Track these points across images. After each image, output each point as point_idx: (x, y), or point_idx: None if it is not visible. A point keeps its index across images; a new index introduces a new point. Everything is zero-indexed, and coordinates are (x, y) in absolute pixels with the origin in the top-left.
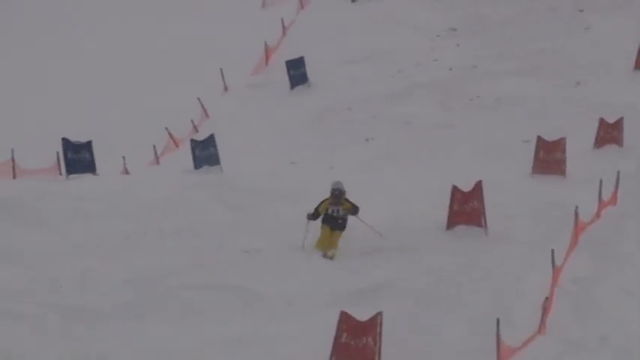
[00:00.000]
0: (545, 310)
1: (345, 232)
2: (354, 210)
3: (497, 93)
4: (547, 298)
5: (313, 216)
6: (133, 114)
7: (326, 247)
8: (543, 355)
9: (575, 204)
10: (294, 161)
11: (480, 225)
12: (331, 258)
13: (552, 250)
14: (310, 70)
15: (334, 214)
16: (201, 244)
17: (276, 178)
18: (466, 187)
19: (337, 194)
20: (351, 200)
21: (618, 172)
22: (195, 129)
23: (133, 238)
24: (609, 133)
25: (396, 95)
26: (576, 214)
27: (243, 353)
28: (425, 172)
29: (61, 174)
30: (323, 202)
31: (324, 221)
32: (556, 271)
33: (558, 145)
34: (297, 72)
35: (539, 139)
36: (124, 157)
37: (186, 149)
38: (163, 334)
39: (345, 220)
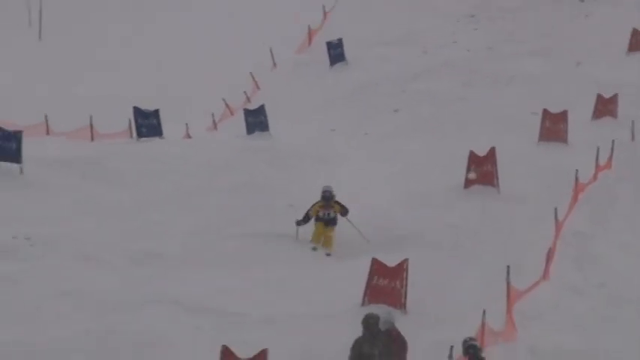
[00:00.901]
0: (548, 259)
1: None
2: (344, 212)
3: (510, 72)
4: (550, 249)
5: (303, 220)
6: (195, 87)
7: (320, 240)
8: (547, 298)
9: (575, 168)
10: (333, 128)
11: (493, 185)
12: (329, 254)
13: (555, 208)
14: (347, 50)
15: (325, 217)
16: (252, 200)
17: (318, 142)
18: (481, 152)
19: (328, 196)
20: (341, 202)
21: (613, 141)
22: (248, 100)
23: (194, 194)
24: (605, 107)
25: (421, 72)
26: (576, 177)
27: (287, 293)
28: (445, 139)
29: (132, 137)
30: (314, 205)
31: (317, 220)
32: (558, 225)
33: (561, 117)
34: (336, 51)
35: (545, 111)
36: (186, 124)
37: (239, 117)
38: (220, 277)
39: (336, 219)
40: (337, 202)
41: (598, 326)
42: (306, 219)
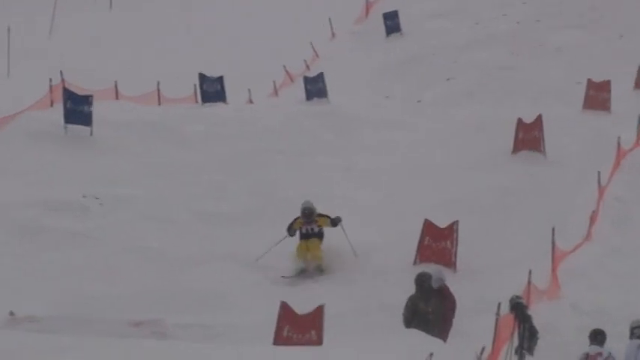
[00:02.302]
0: (592, 221)
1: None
2: (334, 222)
3: (556, 43)
4: (594, 212)
5: (288, 232)
6: (257, 55)
7: (304, 254)
8: (589, 259)
9: (617, 135)
10: (388, 95)
11: (539, 150)
12: (321, 271)
13: (598, 172)
14: (403, 21)
15: (309, 232)
16: (310, 162)
17: (374, 108)
18: (529, 119)
19: (307, 213)
20: (324, 214)
21: None
22: (308, 67)
23: (256, 157)
24: None
25: (472, 43)
26: (618, 143)
27: (341, 259)
28: (494, 107)
29: (197, 102)
30: (296, 220)
31: (301, 237)
32: (601, 189)
33: (605, 86)
34: (392, 22)
35: (589, 81)
36: (249, 90)
37: (299, 84)
38: (279, 236)
39: (321, 232)
40: (321, 215)
41: (638, 286)
42: (291, 232)
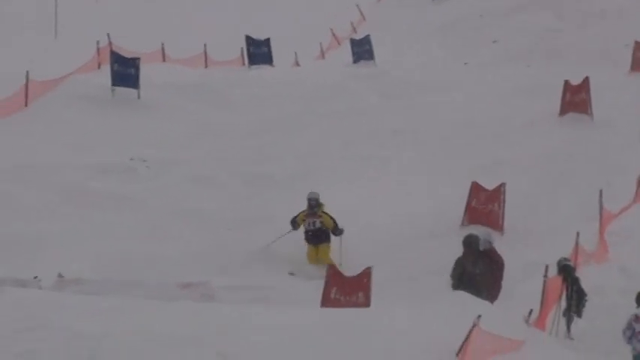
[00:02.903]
0: (639, 183)
1: (332, 245)
2: (337, 231)
3: (603, 5)
4: None
5: (292, 226)
6: (303, 18)
7: (314, 260)
8: (637, 220)
9: None
10: (434, 57)
11: (587, 113)
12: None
13: None
14: None
15: (310, 227)
16: (356, 125)
17: (420, 71)
18: (576, 81)
19: (313, 204)
20: (331, 215)
21: None
22: (354, 30)
23: (303, 119)
24: None
25: (518, 6)
26: None
27: (393, 213)
28: (541, 69)
29: (244, 65)
30: (300, 213)
31: (305, 239)
32: None
33: None
34: None
35: (637, 43)
36: (295, 53)
37: (346, 47)
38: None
39: (326, 233)
40: (326, 213)
41: None
42: (293, 225)
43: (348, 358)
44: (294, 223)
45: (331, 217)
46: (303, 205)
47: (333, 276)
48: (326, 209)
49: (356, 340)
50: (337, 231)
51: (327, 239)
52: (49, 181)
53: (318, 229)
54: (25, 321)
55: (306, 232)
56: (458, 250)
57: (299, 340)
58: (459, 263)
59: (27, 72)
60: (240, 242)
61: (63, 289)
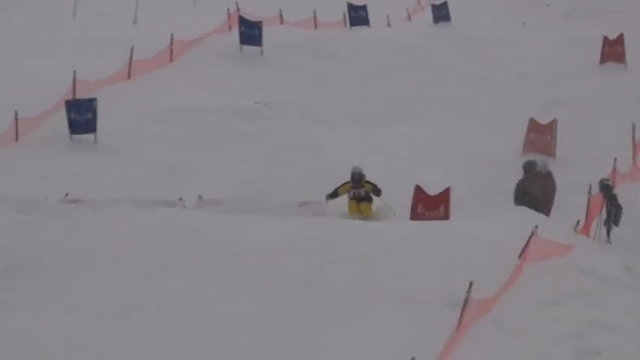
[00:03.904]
0: None
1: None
2: (376, 191)
3: None
4: None
5: (331, 196)
6: None
7: (356, 212)
8: None
9: None
10: (499, 19)
11: (622, 62)
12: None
13: None
14: None
15: (356, 196)
16: (434, 75)
17: (487, 30)
18: (613, 37)
19: (357, 178)
20: (371, 181)
21: None
22: None
23: (393, 70)
24: None
25: None
26: None
27: (464, 141)
28: (586, 26)
29: (346, 26)
30: (344, 184)
31: (350, 199)
32: None
33: None
34: None
35: None
36: (387, 16)
37: (428, 11)
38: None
39: (369, 196)
40: (368, 182)
41: None
42: (334, 195)
43: (435, 259)
44: (335, 195)
45: (373, 183)
46: (401, 142)
47: (419, 195)
48: (368, 178)
49: (439, 245)
50: (377, 191)
51: (370, 200)
52: (191, 121)
53: (364, 195)
54: (173, 232)
55: (352, 198)
56: (519, 174)
57: (395, 248)
58: (520, 184)
59: (171, 34)
60: (345, 169)
61: (202, 208)
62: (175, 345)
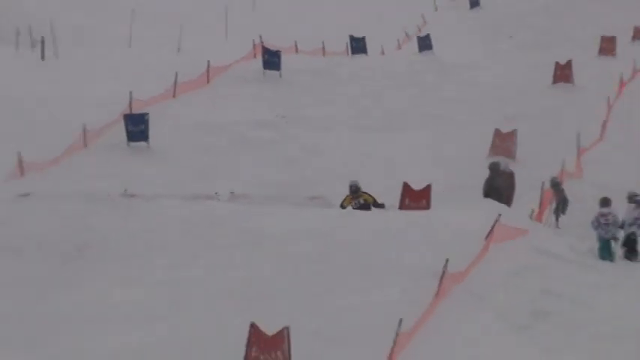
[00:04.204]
0: (603, 127)
1: None
2: (377, 204)
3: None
4: (604, 121)
5: (342, 208)
6: (387, 22)
7: None
8: (601, 152)
9: (620, 71)
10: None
11: (571, 82)
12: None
13: (608, 97)
14: None
15: (356, 205)
16: (419, 94)
17: (462, 56)
18: (563, 61)
19: (354, 189)
20: (370, 194)
21: None
22: (419, 30)
23: (386, 89)
24: None
25: (528, 13)
26: (621, 77)
27: (445, 145)
28: (541, 53)
29: (348, 54)
30: (345, 198)
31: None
32: (610, 105)
33: (612, 39)
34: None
35: (602, 37)
36: (382, 45)
37: (414, 41)
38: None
39: (369, 206)
40: (365, 193)
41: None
42: (343, 208)
43: (418, 241)
44: (342, 207)
45: (370, 195)
46: (394, 148)
47: (406, 190)
48: (365, 190)
49: (422, 230)
50: (378, 205)
51: (368, 208)
52: (224, 131)
53: (362, 204)
54: (210, 220)
55: (354, 209)
56: (486, 173)
57: (386, 232)
58: (487, 181)
59: (208, 61)
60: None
61: (234, 200)
62: (212, 303)
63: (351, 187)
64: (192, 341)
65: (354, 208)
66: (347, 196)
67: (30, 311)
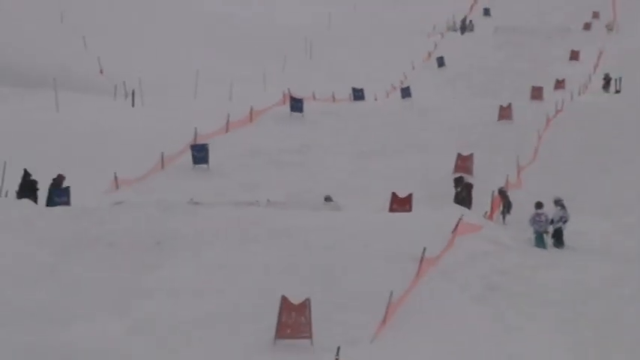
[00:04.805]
0: (535, 151)
1: None
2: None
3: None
4: (536, 148)
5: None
6: (379, 77)
7: None
8: (534, 168)
9: (545, 111)
10: (441, 95)
11: (511, 119)
12: None
13: (538, 130)
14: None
15: None
16: (402, 128)
17: (433, 101)
18: (505, 104)
19: (327, 199)
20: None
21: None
22: (401, 82)
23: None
24: None
25: (484, 69)
26: (547, 115)
27: (418, 168)
28: (489, 99)
29: (351, 100)
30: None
31: None
32: (540, 137)
33: (540, 89)
34: (441, 61)
35: (533, 87)
36: (375, 94)
37: (398, 91)
38: (390, 160)
39: None
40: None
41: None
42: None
43: (403, 234)
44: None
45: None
46: (382, 165)
47: (394, 197)
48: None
49: (406, 226)
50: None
51: None
52: (262, 156)
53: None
54: (252, 220)
55: None
56: (451, 185)
57: (380, 227)
58: (455, 192)
59: (251, 106)
60: (352, 186)
61: (270, 206)
62: (253, 280)
63: (325, 198)
64: (240, 308)
65: None
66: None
67: (121, 287)
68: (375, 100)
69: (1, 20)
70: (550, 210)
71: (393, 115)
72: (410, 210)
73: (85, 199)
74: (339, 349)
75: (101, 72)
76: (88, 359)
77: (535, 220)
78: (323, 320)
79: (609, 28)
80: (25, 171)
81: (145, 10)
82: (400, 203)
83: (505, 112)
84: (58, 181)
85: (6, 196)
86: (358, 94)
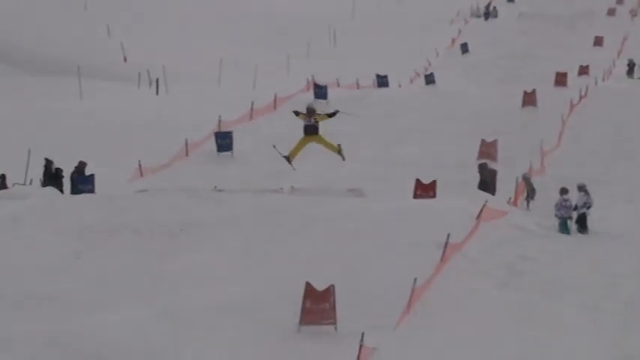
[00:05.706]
0: (560, 136)
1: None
2: (332, 114)
3: (540, 54)
4: (561, 132)
5: (295, 113)
6: (404, 65)
7: (295, 155)
8: (561, 154)
9: (570, 97)
10: (464, 80)
11: (536, 106)
12: (343, 158)
13: (562, 114)
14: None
15: (308, 122)
16: (426, 115)
17: (455, 86)
18: (529, 90)
19: (310, 110)
20: (323, 114)
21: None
22: (425, 69)
23: (402, 111)
24: None
25: (502, 57)
26: (571, 101)
27: (443, 155)
28: (512, 85)
29: (374, 87)
30: (300, 114)
31: (304, 131)
32: (564, 122)
33: (564, 74)
34: (464, 48)
35: (557, 73)
36: (399, 81)
37: (422, 78)
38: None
39: (316, 126)
40: (319, 114)
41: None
42: (296, 113)
43: (427, 220)
44: (297, 113)
45: (322, 115)
46: (406, 152)
47: (418, 183)
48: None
49: (430, 212)
50: (331, 115)
51: (317, 129)
52: (286, 142)
53: (312, 124)
54: (277, 207)
55: (305, 127)
56: (476, 171)
57: (404, 214)
58: (479, 178)
59: (275, 94)
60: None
61: (294, 194)
62: (277, 266)
63: (307, 108)
64: (264, 295)
65: (305, 124)
66: (303, 113)
67: (145, 274)
68: (399, 86)
69: (25, 10)
70: (574, 196)
71: (417, 101)
72: (434, 196)
73: (109, 187)
74: (363, 334)
75: (125, 60)
76: (112, 347)
77: (562, 205)
78: (347, 306)
79: (633, 13)
80: (47, 160)
81: None
82: (424, 189)
83: (529, 98)
84: (80, 167)
85: (30, 184)
86: (382, 81)
